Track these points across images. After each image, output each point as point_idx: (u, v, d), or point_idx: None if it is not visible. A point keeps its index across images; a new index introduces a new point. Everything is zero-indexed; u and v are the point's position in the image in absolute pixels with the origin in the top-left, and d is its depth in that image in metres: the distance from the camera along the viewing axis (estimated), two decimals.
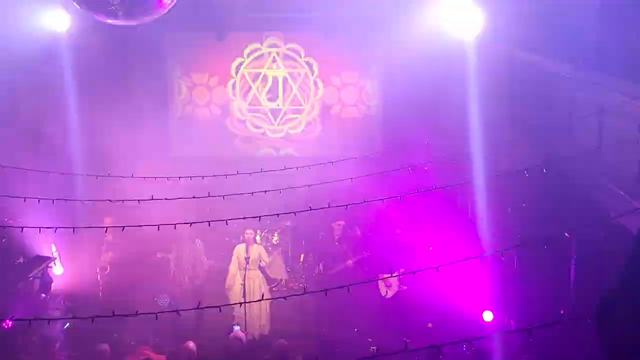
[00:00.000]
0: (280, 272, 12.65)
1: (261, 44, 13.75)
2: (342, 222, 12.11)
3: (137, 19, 6.60)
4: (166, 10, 6.91)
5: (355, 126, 13.83)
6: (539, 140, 9.98)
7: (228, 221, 7.38)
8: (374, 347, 10.31)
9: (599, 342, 2.42)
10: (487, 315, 10.65)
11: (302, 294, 5.84)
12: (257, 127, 14.02)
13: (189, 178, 9.03)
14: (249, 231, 11.76)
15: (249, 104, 13.93)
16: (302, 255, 13.13)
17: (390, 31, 13.01)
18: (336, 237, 12.18)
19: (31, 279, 11.04)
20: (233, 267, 11.77)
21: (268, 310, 11.61)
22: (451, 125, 11.71)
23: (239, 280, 11.51)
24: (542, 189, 10.51)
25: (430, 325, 11.40)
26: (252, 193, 8.24)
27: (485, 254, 5.49)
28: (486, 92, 12.06)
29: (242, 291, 11.30)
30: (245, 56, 13.81)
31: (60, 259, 11.75)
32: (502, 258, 5.90)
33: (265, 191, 8.27)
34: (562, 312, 4.31)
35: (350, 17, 13.09)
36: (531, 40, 10.80)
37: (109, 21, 6.51)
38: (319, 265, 12.19)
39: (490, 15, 11.16)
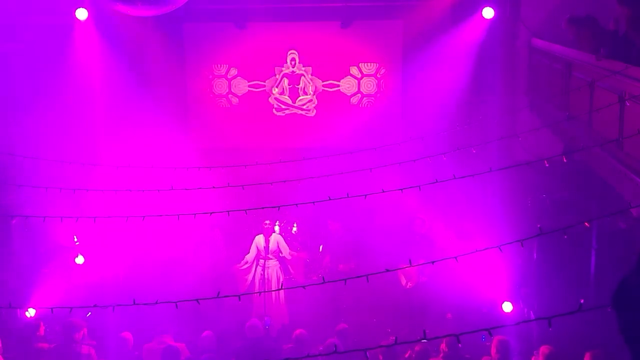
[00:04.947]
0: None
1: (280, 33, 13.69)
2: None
3: (155, 9, 6.63)
4: (184, 1, 6.94)
5: (374, 116, 13.77)
6: (558, 129, 9.93)
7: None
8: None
9: (619, 330, 2.40)
10: (507, 306, 10.62)
11: (320, 283, 5.84)
12: (275, 115, 13.99)
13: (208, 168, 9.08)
14: (267, 221, 11.79)
15: (269, 94, 13.90)
16: (321, 246, 13.13)
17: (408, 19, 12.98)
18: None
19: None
20: (250, 257, 11.79)
21: (284, 300, 11.65)
22: (470, 115, 11.66)
23: (258, 270, 11.55)
24: (562, 180, 10.45)
25: (449, 316, 11.40)
26: (271, 183, 8.24)
27: (504, 244, 5.46)
28: (505, 80, 12.01)
29: (262, 281, 11.34)
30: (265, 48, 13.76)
31: (81, 248, 11.87)
32: (522, 248, 5.87)
33: (284, 181, 8.26)
34: (582, 301, 4.27)
35: (369, 7, 13.04)
36: (551, 28, 10.74)
37: (129, 12, 6.54)
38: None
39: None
